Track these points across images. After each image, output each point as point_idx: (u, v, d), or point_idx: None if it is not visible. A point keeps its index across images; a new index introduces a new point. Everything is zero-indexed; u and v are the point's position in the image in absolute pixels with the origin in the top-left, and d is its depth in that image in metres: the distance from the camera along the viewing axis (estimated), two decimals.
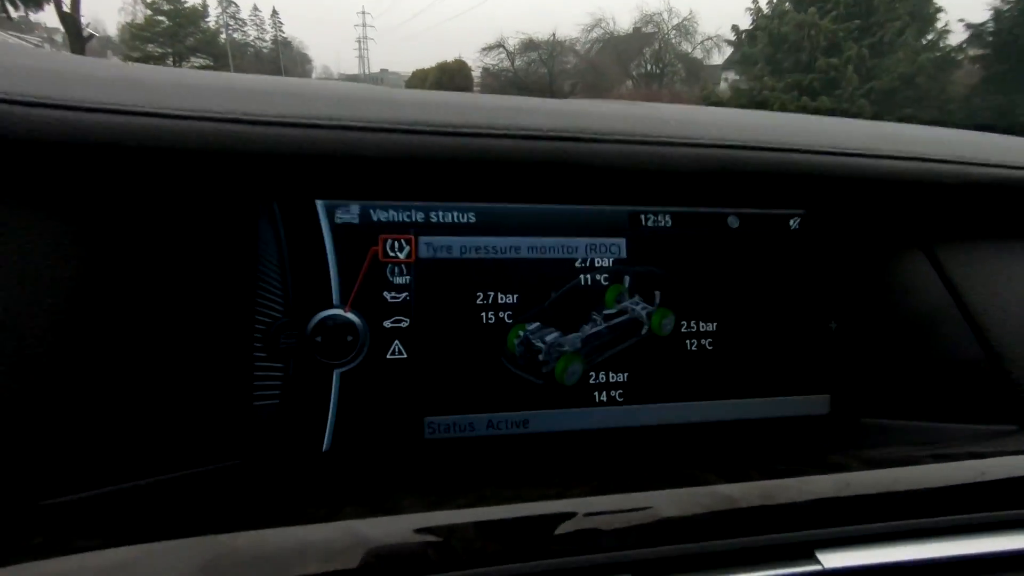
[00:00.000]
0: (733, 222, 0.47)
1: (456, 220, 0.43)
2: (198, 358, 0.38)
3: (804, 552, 0.33)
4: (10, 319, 0.30)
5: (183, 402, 0.37)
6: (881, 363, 0.48)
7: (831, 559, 0.32)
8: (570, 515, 0.31)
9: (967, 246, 0.47)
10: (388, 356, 0.41)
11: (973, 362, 0.45)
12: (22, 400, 0.30)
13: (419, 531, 0.30)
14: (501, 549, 0.30)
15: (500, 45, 25.30)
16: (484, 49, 25.64)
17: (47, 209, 0.32)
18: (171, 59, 24.64)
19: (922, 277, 0.48)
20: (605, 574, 0.30)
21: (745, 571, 0.31)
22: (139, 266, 0.36)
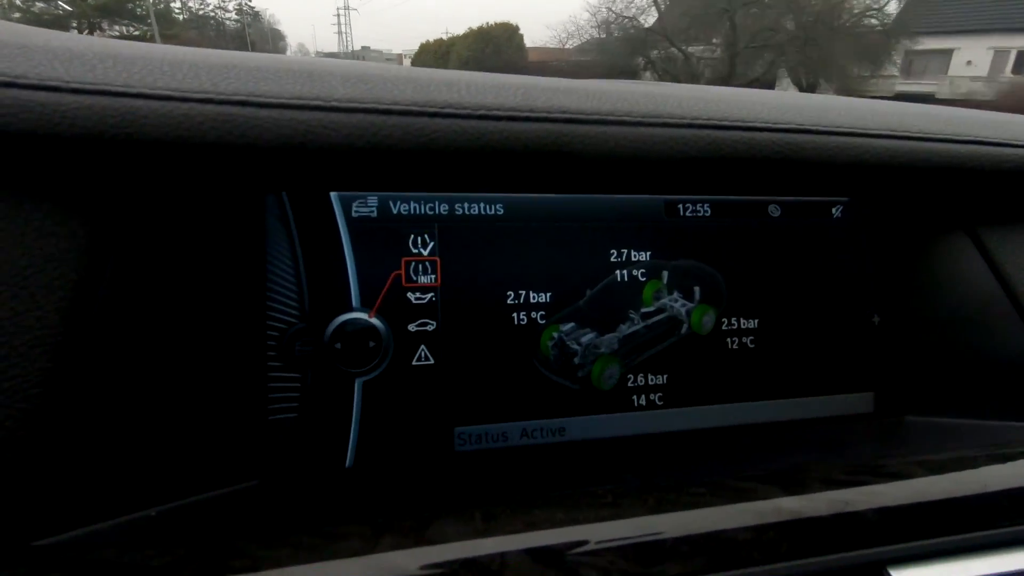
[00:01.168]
0: (774, 211, 0.44)
1: (483, 212, 0.39)
2: (207, 370, 0.34)
3: (875, 571, 0.30)
4: (4, 334, 0.26)
5: (193, 420, 0.33)
6: (926, 358, 0.46)
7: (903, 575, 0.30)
8: (631, 539, 0.29)
9: (1017, 232, 0.45)
10: (414, 363, 0.38)
11: (1021, 355, 0.43)
12: (12, 425, 0.27)
13: (468, 561, 0.27)
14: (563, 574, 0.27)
15: None
16: None
17: (33, 208, 0.28)
18: (76, 24, 17.94)
19: (969, 265, 0.45)
20: None
21: None
22: (137, 272, 0.32)
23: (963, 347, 0.45)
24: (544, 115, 0.33)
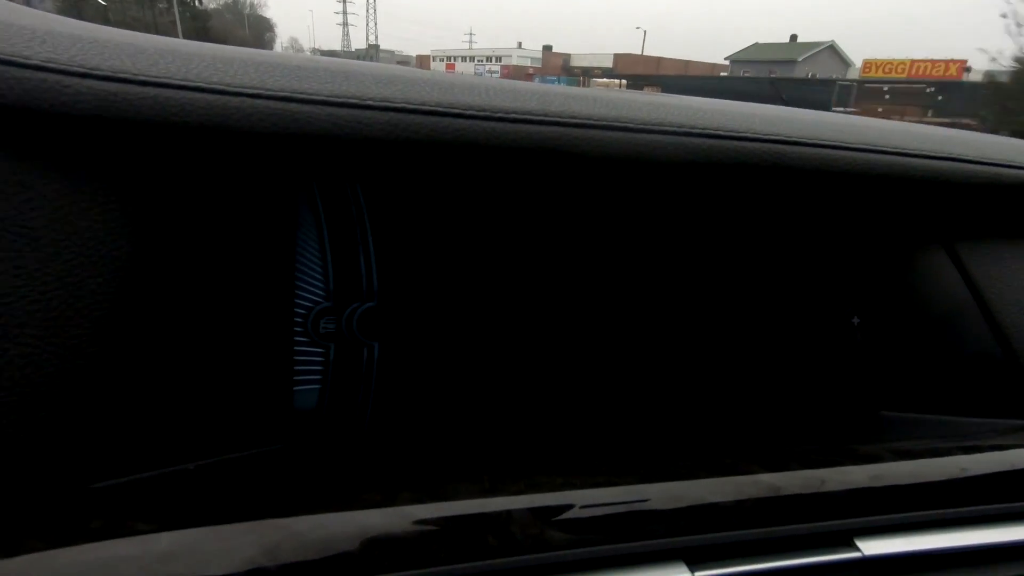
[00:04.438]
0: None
1: None
2: (240, 343, 0.37)
3: (844, 540, 0.34)
4: (61, 299, 0.29)
5: (226, 387, 0.36)
6: (902, 358, 0.49)
7: (869, 546, 0.33)
8: (624, 503, 0.32)
9: (988, 245, 0.49)
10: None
11: (992, 359, 0.47)
12: (70, 382, 0.30)
13: (477, 516, 0.30)
14: (557, 535, 0.30)
15: None
16: None
17: (94, 185, 0.31)
18: None
19: (944, 275, 0.49)
20: (659, 560, 0.31)
21: (790, 557, 0.32)
22: (183, 249, 0.35)
23: (936, 349, 0.49)
24: (556, 119, 0.37)
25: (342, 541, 0.28)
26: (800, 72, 31.33)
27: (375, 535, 0.29)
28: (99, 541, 0.26)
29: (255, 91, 0.32)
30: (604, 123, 0.37)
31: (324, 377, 0.39)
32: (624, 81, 23.05)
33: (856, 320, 0.50)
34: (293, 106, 0.32)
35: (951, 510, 0.36)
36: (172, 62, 0.31)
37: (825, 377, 0.49)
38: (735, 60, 36.13)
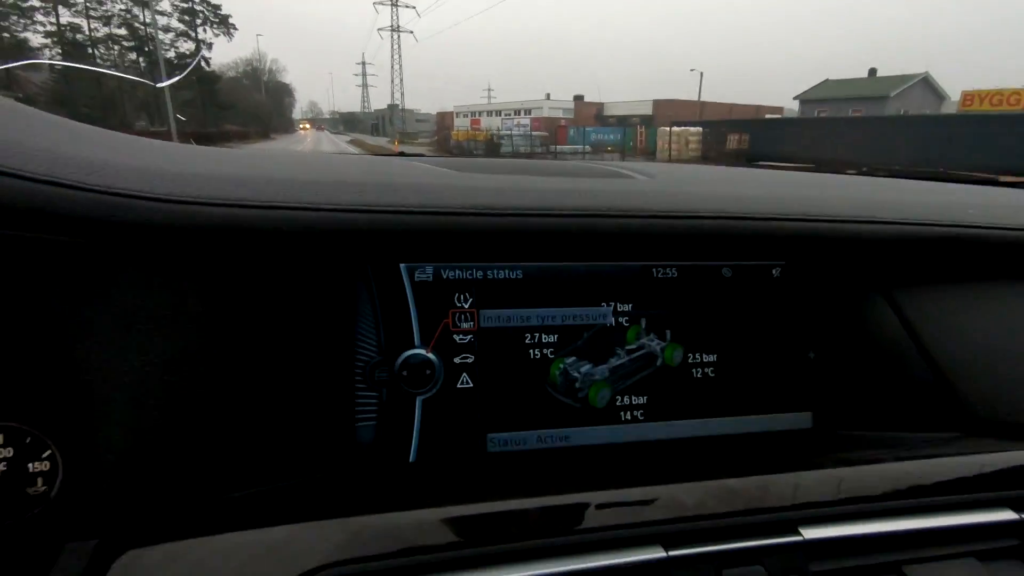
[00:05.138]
0: (727, 272, 0.58)
1: (508, 276, 0.54)
2: (314, 390, 0.48)
3: (789, 528, 0.43)
4: (185, 372, 0.41)
5: (303, 424, 0.48)
6: (852, 385, 0.59)
7: (810, 532, 0.43)
8: (615, 502, 0.42)
9: (919, 290, 0.59)
10: (458, 385, 0.52)
11: (925, 383, 0.56)
12: (200, 430, 0.41)
13: (500, 514, 0.41)
14: (565, 525, 0.40)
15: None
16: None
17: (205, 280, 0.43)
18: None
19: (883, 316, 0.59)
20: (640, 544, 0.41)
21: (744, 541, 0.42)
22: (271, 324, 0.47)
23: (880, 377, 0.58)
24: (555, 212, 0.49)
25: (402, 531, 0.39)
26: (892, 109, 27.25)
27: (428, 526, 0.39)
28: (230, 532, 0.37)
29: (331, 207, 0.44)
30: (589, 212, 0.49)
31: (378, 416, 0.50)
32: (700, 128, 20.65)
33: (812, 355, 0.59)
34: (357, 216, 0.45)
35: (883, 504, 0.45)
36: (282, 188, 0.44)
37: (788, 403, 0.58)
38: (805, 100, 32.14)
